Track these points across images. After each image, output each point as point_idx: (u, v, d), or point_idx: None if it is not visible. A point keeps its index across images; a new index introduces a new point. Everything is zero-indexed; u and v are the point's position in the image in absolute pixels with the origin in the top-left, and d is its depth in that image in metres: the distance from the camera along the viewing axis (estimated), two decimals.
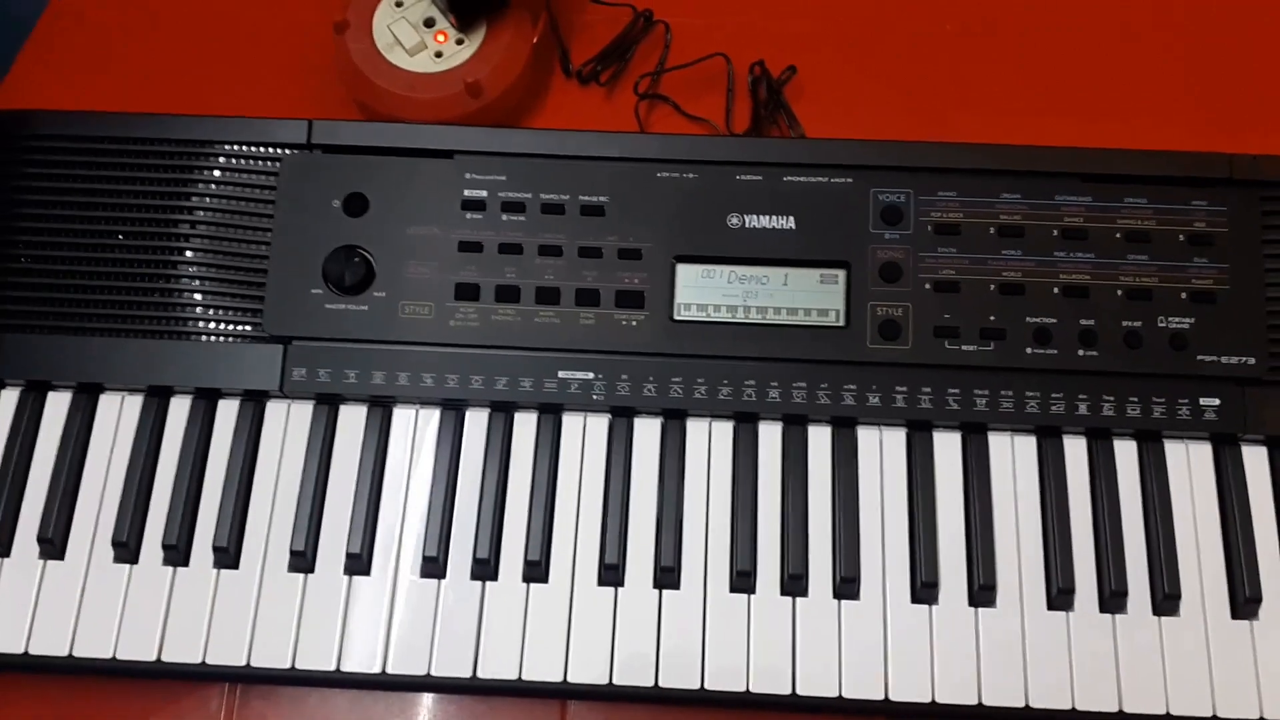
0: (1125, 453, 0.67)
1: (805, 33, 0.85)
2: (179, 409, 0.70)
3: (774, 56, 0.84)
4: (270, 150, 0.72)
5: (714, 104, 0.84)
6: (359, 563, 0.66)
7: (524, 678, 0.64)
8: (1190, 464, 0.67)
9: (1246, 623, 0.64)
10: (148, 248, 0.71)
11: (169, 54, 0.86)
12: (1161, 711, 0.62)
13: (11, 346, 0.70)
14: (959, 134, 0.77)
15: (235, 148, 0.72)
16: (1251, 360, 0.66)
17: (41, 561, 0.67)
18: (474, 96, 0.79)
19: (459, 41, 0.81)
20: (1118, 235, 0.68)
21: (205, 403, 0.69)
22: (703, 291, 0.69)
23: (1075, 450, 0.67)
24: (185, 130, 0.72)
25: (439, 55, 0.80)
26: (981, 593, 0.64)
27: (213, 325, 0.70)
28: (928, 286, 0.68)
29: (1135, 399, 0.66)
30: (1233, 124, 0.79)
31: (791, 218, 0.69)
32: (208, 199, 0.71)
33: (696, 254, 0.69)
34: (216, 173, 0.72)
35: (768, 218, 0.69)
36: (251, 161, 0.72)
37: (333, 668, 0.64)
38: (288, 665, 0.64)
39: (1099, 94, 0.82)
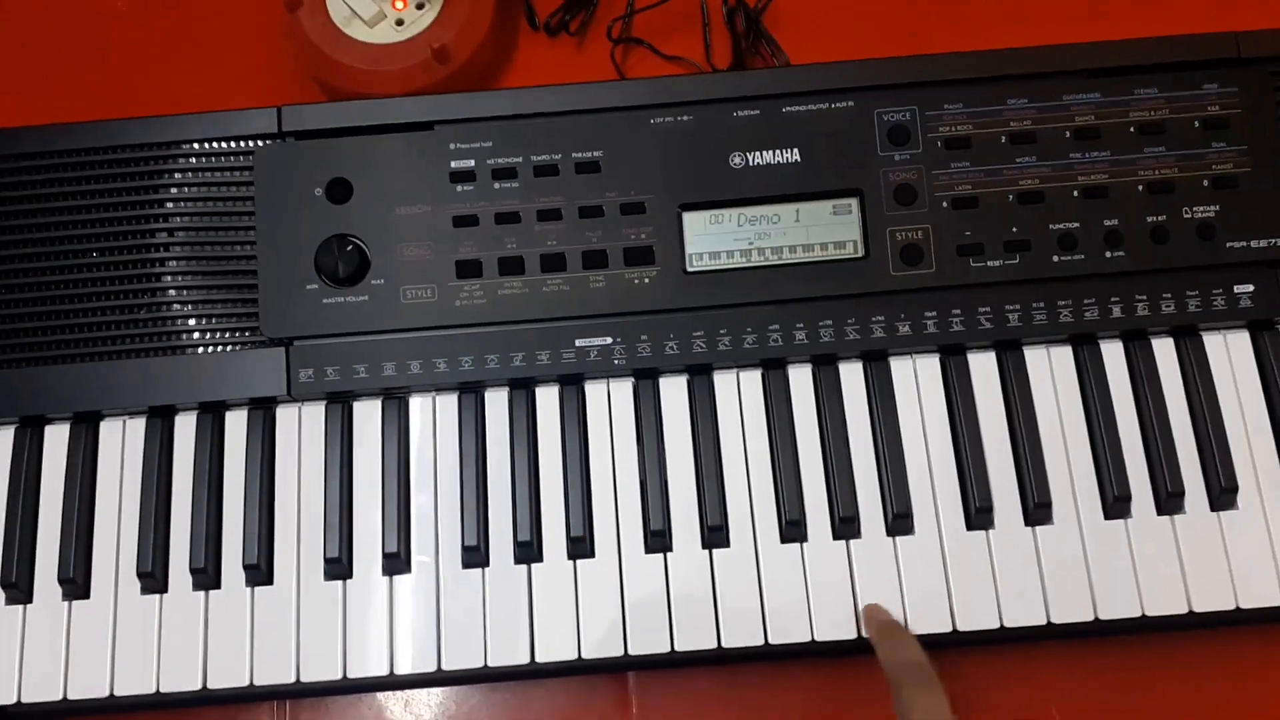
0: (1164, 351, 0.66)
1: None
2: (185, 426, 0.67)
3: None
4: (240, 144, 0.68)
5: (691, 42, 0.80)
6: (398, 562, 0.64)
7: (583, 656, 0.62)
8: (1230, 353, 0.66)
9: None
10: (127, 262, 0.67)
11: (113, 56, 0.81)
12: (1231, 606, 0.61)
13: None
14: (950, 44, 0.74)
15: (203, 145, 0.68)
16: None
17: (67, 603, 0.64)
18: (442, 62, 0.75)
19: (419, 6, 0.76)
20: (1131, 129, 0.66)
21: (212, 417, 0.66)
22: (713, 239, 0.66)
23: (1113, 355, 0.66)
24: (147, 133, 0.68)
25: (400, 23, 0.76)
26: (1037, 510, 0.63)
27: (208, 335, 0.67)
28: (945, 205, 0.66)
29: (1169, 295, 0.65)
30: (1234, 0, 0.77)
31: (796, 150, 0.67)
32: (183, 203, 0.68)
33: (702, 200, 0.67)
34: (187, 174, 0.68)
35: (771, 153, 0.67)
36: (222, 158, 0.68)
37: (386, 672, 0.62)
38: (339, 676, 0.62)
39: None
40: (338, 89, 0.76)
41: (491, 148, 0.67)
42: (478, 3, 0.77)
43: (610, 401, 0.66)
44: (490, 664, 0.62)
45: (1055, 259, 0.65)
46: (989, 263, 0.65)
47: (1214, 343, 0.66)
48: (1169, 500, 0.63)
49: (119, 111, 0.75)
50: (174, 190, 0.68)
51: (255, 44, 0.80)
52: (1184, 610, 0.61)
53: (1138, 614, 0.62)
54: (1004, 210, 0.66)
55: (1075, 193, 0.66)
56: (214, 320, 0.67)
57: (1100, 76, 0.67)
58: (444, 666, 0.62)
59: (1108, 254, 0.65)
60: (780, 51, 0.79)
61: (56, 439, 0.67)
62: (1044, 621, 0.62)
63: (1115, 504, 0.63)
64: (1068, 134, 0.66)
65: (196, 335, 0.66)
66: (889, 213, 0.66)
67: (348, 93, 0.75)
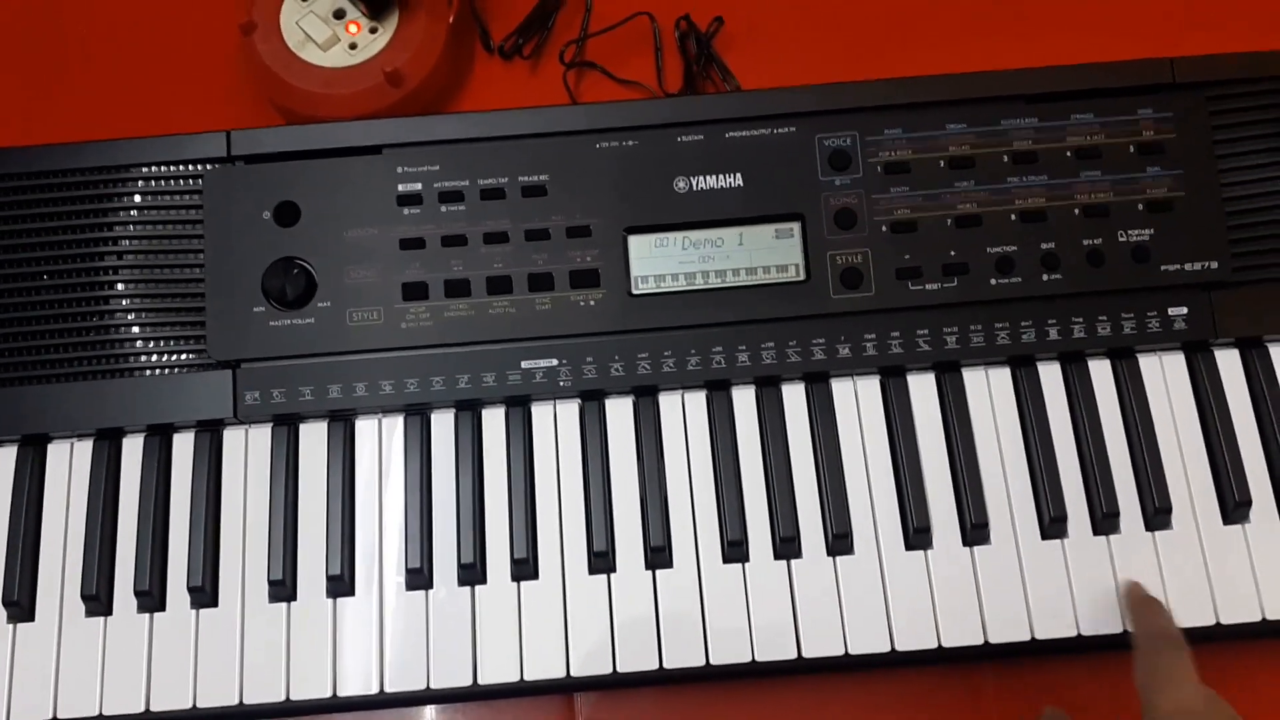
0: (1100, 372, 0.67)
1: None
2: (132, 448, 0.67)
3: (698, 9, 0.81)
4: (190, 168, 0.69)
5: (644, 65, 0.81)
6: (342, 584, 0.64)
7: (526, 678, 0.62)
8: (1165, 375, 0.66)
9: (1239, 527, 0.64)
10: (75, 285, 0.67)
11: (64, 78, 0.81)
12: None
13: None
14: (896, 69, 0.75)
15: (153, 169, 0.69)
16: (1214, 264, 0.66)
17: (11, 626, 0.64)
18: (395, 85, 0.76)
19: (372, 30, 0.77)
20: (1068, 154, 0.67)
21: (159, 439, 0.67)
22: (658, 261, 0.67)
23: (1050, 376, 0.67)
24: (97, 157, 0.69)
25: (353, 47, 0.77)
26: (975, 531, 0.64)
27: (155, 358, 0.67)
28: (884, 229, 0.67)
29: (1104, 317, 0.66)
30: (1172, 26, 0.78)
31: (739, 174, 0.67)
32: (131, 226, 0.68)
33: (647, 223, 0.67)
34: (137, 197, 0.68)
35: (714, 177, 0.68)
36: (172, 181, 0.69)
37: (329, 694, 0.62)
38: (282, 698, 0.63)
39: (1030, 9, 0.80)
40: (293, 111, 0.77)
41: (439, 171, 0.68)
42: (431, 27, 0.77)
43: (556, 423, 0.67)
44: (433, 686, 0.62)
45: (993, 282, 0.66)
46: (927, 286, 0.66)
47: (1149, 364, 0.67)
48: (1105, 520, 0.64)
49: (76, 134, 0.75)
50: (124, 214, 0.68)
51: (211, 67, 0.81)
52: (1119, 630, 0.62)
53: (1073, 634, 0.62)
54: (942, 234, 0.67)
55: (1013, 216, 0.67)
56: (162, 342, 0.67)
57: (1037, 102, 0.68)
58: (387, 689, 0.62)
59: (1045, 277, 0.66)
60: (731, 76, 0.80)
61: (3, 461, 0.67)
62: (981, 641, 0.62)
63: (1052, 524, 0.64)
64: (1005, 158, 0.67)
65: (145, 358, 0.67)
66: (830, 236, 0.67)
67: (303, 116, 0.76)
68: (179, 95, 0.81)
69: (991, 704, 0.65)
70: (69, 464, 0.67)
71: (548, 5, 0.83)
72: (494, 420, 0.67)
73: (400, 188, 0.68)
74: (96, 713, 0.63)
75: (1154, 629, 0.57)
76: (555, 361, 0.66)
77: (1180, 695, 0.52)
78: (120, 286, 0.68)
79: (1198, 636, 0.60)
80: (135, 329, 0.67)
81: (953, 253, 0.66)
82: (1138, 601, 0.60)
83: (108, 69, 0.82)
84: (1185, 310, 0.66)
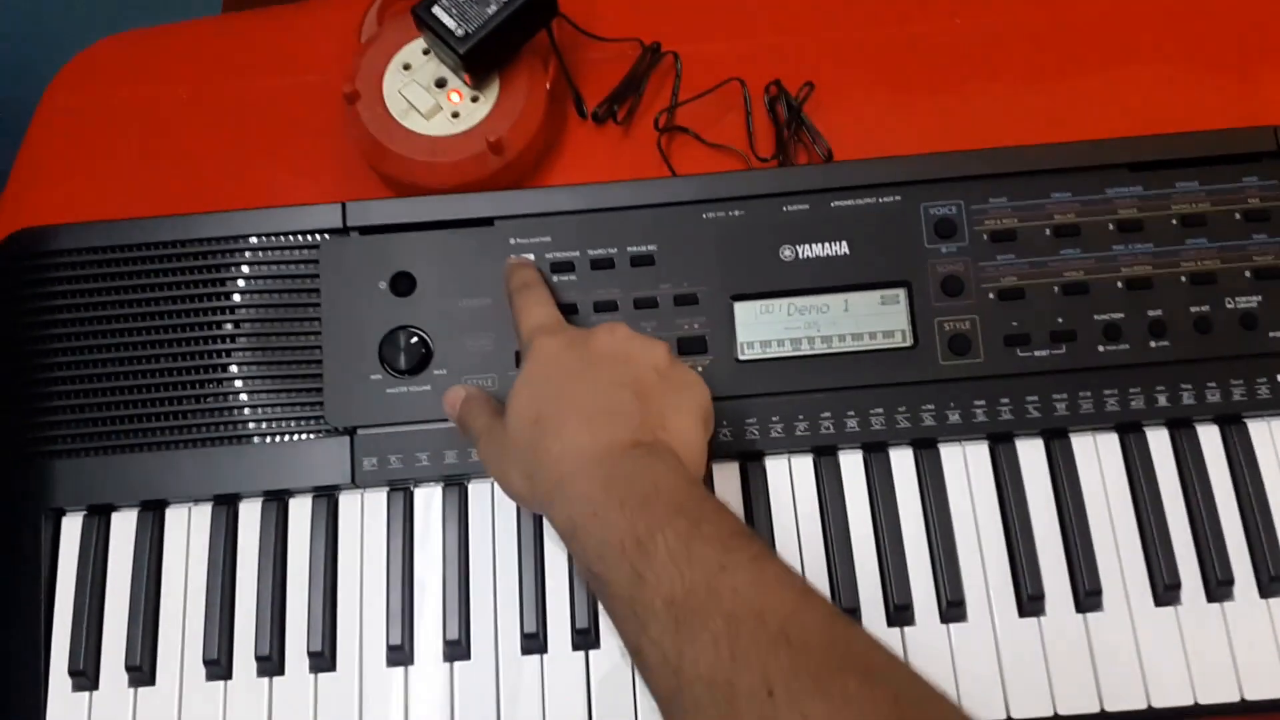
0: (1209, 438, 0.67)
1: (817, 47, 0.84)
2: (250, 514, 0.68)
3: (789, 74, 0.83)
4: (305, 238, 0.70)
5: (734, 129, 0.83)
6: (458, 649, 0.65)
7: None
8: (1275, 441, 0.67)
9: None
10: (193, 353, 0.69)
11: (171, 149, 0.83)
12: None
13: (66, 472, 0.68)
14: (988, 133, 0.76)
15: (268, 239, 0.70)
16: None
17: (133, 690, 0.65)
18: (498, 154, 0.77)
19: (474, 99, 0.79)
20: (1174, 221, 0.68)
21: (277, 504, 0.68)
22: (764, 328, 0.68)
23: (1159, 442, 0.67)
24: (214, 228, 0.71)
25: (455, 115, 0.79)
26: (1089, 599, 0.64)
27: (272, 425, 0.68)
28: (991, 296, 0.67)
29: (1213, 384, 0.66)
30: (1272, 90, 0.79)
31: (844, 242, 0.69)
32: (248, 294, 0.70)
33: (753, 291, 0.68)
34: (254, 266, 0.70)
35: (820, 245, 0.69)
36: (287, 251, 0.70)
37: None
38: None
39: (1130, 77, 0.81)
40: (396, 179, 0.78)
41: (550, 242, 0.69)
42: (531, 96, 0.79)
43: None
44: None
45: (1101, 349, 0.67)
46: (1036, 352, 0.67)
47: (1259, 430, 0.67)
48: (1219, 587, 0.64)
49: (182, 201, 0.78)
50: (241, 282, 0.70)
51: (315, 135, 0.83)
52: (1236, 699, 0.62)
53: (1190, 702, 0.62)
54: (1049, 301, 0.67)
55: (1119, 284, 0.67)
56: (279, 409, 0.68)
57: (1141, 170, 0.69)
58: None
59: (1152, 344, 0.67)
60: (821, 139, 0.81)
61: (123, 526, 0.68)
62: (1097, 709, 0.62)
63: (1165, 591, 0.64)
64: (1111, 226, 0.68)
65: (262, 424, 0.68)
66: (936, 303, 0.68)
67: (406, 183, 0.78)
68: (283, 161, 0.82)
69: None
70: (187, 528, 0.68)
71: (639, 71, 0.84)
72: None
73: (513, 259, 0.69)
74: None
75: (521, 281, 0.67)
76: None
77: (543, 314, 0.64)
78: (237, 355, 0.69)
79: None
80: (252, 396, 0.69)
81: (1060, 320, 0.67)
82: (511, 268, 0.68)
83: (214, 135, 0.84)
84: None
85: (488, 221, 0.70)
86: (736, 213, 0.69)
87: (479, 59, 0.77)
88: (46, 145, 0.84)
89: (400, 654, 0.65)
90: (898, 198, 0.69)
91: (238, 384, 0.69)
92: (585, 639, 0.65)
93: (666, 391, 0.59)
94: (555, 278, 0.69)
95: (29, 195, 0.82)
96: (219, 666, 0.65)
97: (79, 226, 0.72)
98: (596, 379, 0.59)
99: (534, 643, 0.65)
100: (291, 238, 0.70)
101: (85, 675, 0.65)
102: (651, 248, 0.69)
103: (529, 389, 0.60)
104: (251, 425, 0.68)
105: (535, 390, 0.59)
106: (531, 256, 0.69)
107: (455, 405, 0.65)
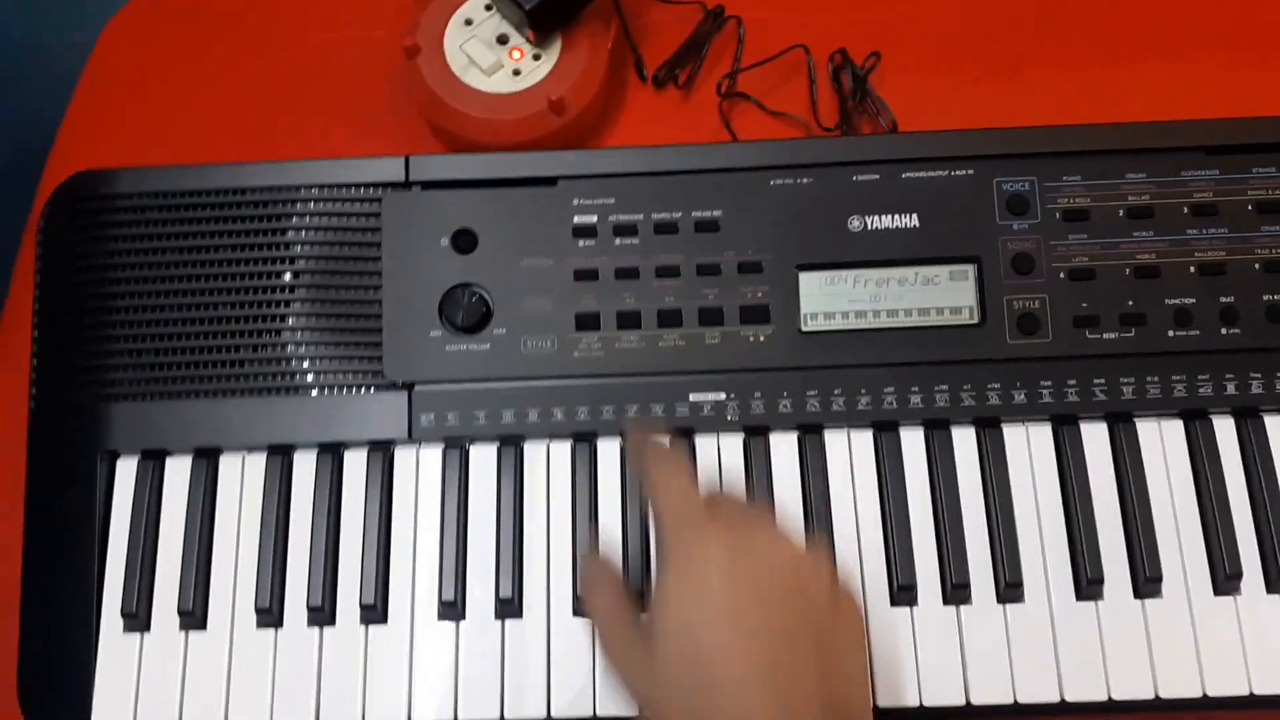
0: (1276, 429, 0.66)
1: (884, 17, 0.83)
2: (304, 464, 0.68)
3: (855, 44, 0.82)
4: (368, 191, 0.70)
5: (797, 97, 0.82)
6: (510, 606, 0.65)
7: None
8: None
9: None
10: (251, 302, 0.69)
11: (226, 98, 0.83)
12: None
13: (122, 416, 0.68)
14: (1052, 112, 0.75)
15: (330, 190, 0.70)
16: None
17: (183, 634, 0.65)
18: (558, 114, 0.76)
19: (535, 57, 0.78)
20: (1249, 207, 0.67)
21: (331, 456, 0.68)
22: (829, 299, 0.67)
23: (1224, 430, 0.66)
24: (276, 176, 0.70)
25: (516, 73, 0.78)
26: (1148, 585, 0.63)
27: (329, 377, 0.68)
28: (1062, 276, 0.67)
29: None
30: None
31: (915, 215, 0.68)
32: (308, 245, 0.69)
33: (819, 261, 0.68)
34: (314, 218, 0.70)
35: (889, 217, 0.68)
36: (349, 204, 0.70)
37: (497, 715, 0.63)
38: (450, 717, 0.63)
39: (1202, 59, 0.80)
40: (455, 136, 0.78)
41: (613, 204, 0.69)
42: (593, 56, 0.78)
43: (720, 455, 0.67)
44: (599, 713, 0.63)
45: (1171, 334, 0.66)
46: (1105, 335, 0.66)
47: None
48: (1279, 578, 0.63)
49: (235, 150, 0.77)
50: (301, 233, 0.69)
51: (373, 90, 0.82)
52: None
53: (1245, 692, 0.62)
54: (1121, 283, 0.66)
55: (1192, 269, 0.66)
56: (337, 361, 0.68)
57: (1218, 154, 0.67)
58: (553, 714, 0.63)
59: (1223, 330, 0.66)
60: (887, 110, 0.80)
61: (178, 472, 0.68)
62: (1152, 695, 0.62)
63: (1226, 580, 0.63)
64: (1185, 210, 0.67)
65: (320, 375, 0.68)
66: (1006, 281, 0.67)
67: (465, 140, 0.77)
68: (341, 114, 0.82)
69: None
70: (241, 476, 0.68)
71: (701, 35, 0.83)
72: None
73: (576, 219, 0.69)
74: None
75: (652, 446, 0.58)
76: (723, 395, 0.67)
77: (681, 495, 0.55)
78: (296, 305, 0.69)
79: None
80: (310, 348, 0.68)
81: (1131, 303, 0.66)
82: (635, 428, 0.61)
83: (262, 86, 0.83)
84: None
85: (551, 181, 0.69)
86: (805, 181, 0.68)
87: (544, 16, 0.76)
88: (101, 91, 0.84)
89: (452, 610, 0.65)
90: (970, 171, 0.68)
91: (296, 334, 0.68)
92: (637, 603, 0.64)
93: (839, 626, 0.52)
94: (617, 240, 0.68)
95: (83, 141, 0.82)
96: (270, 615, 0.65)
97: (138, 171, 0.71)
98: (769, 618, 0.50)
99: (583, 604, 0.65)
100: (354, 190, 0.70)
101: (137, 617, 0.65)
102: (717, 213, 0.68)
103: (683, 609, 0.51)
104: (309, 377, 0.68)
105: (692, 613, 0.51)
106: (594, 219, 0.68)
107: (584, 583, 0.61)
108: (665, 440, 0.59)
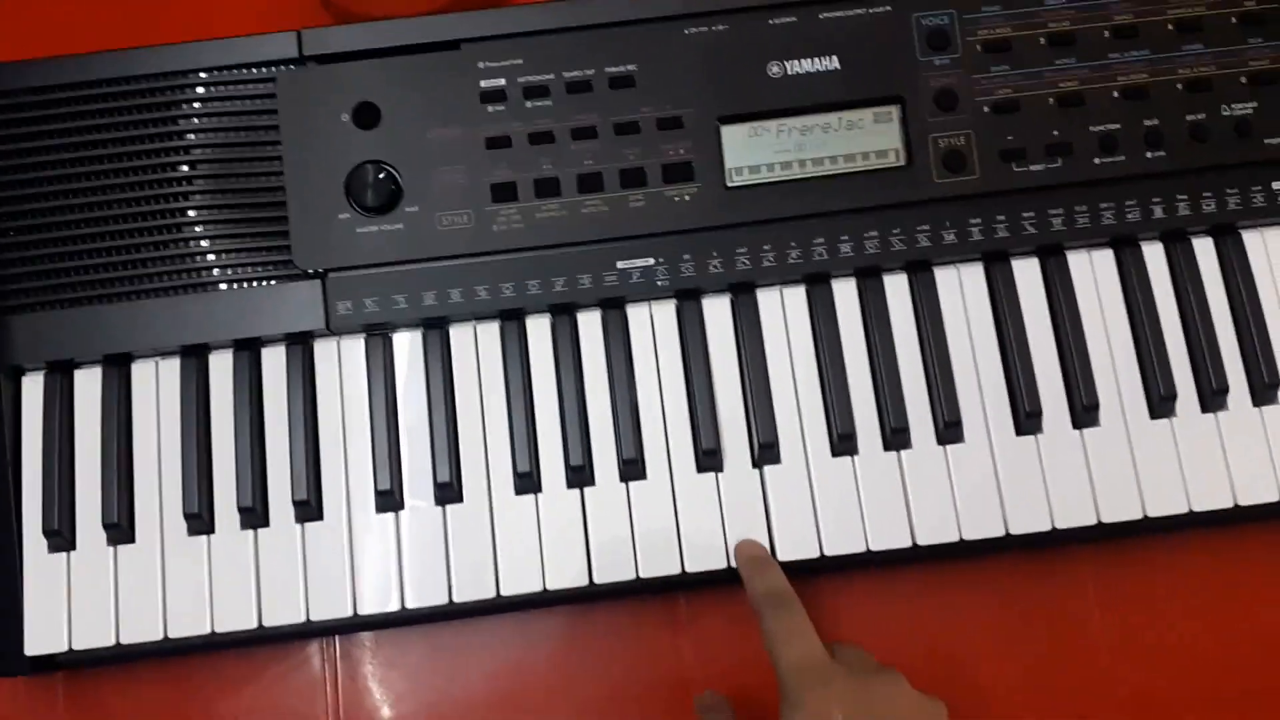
0: (1204, 250, 0.66)
1: None
2: (220, 364, 0.65)
3: None
4: (259, 71, 0.66)
5: None
6: (451, 491, 0.63)
7: (642, 575, 0.62)
8: (1268, 250, 0.66)
9: None
10: (149, 197, 0.65)
11: None
12: (1275, 499, 0.63)
13: (22, 328, 0.64)
14: None
15: (220, 73, 0.66)
16: None
17: (112, 548, 0.63)
18: None
19: None
20: (1170, 27, 0.66)
21: (248, 354, 0.65)
22: (753, 151, 0.65)
23: (1154, 256, 0.66)
24: (162, 61, 0.65)
25: None
26: (1086, 414, 0.63)
27: (238, 270, 0.65)
28: (986, 110, 0.65)
29: (1209, 194, 0.65)
30: None
31: (834, 57, 0.65)
32: (203, 133, 0.65)
33: (741, 112, 0.65)
34: (207, 103, 0.65)
35: (809, 60, 0.65)
36: (242, 85, 0.66)
37: (444, 601, 0.62)
38: (396, 608, 0.62)
39: None
40: (348, 11, 0.73)
41: (521, 65, 0.65)
42: None
43: (653, 324, 0.66)
44: (549, 587, 0.62)
45: (1096, 161, 0.65)
46: (1031, 167, 0.65)
47: (1253, 240, 0.66)
48: (1214, 397, 0.64)
49: (122, 36, 0.72)
50: (194, 120, 0.65)
51: None
52: (1230, 504, 0.63)
53: (1184, 510, 0.63)
54: (1045, 113, 0.65)
55: (1115, 93, 0.65)
56: (244, 254, 0.65)
57: None
58: (503, 592, 0.62)
59: (1148, 154, 0.65)
60: None
61: (88, 383, 0.65)
62: (1094, 521, 0.63)
63: (1161, 403, 0.64)
64: (1106, 33, 0.66)
65: (227, 270, 0.65)
66: (930, 119, 0.65)
67: (358, 15, 0.73)
68: None
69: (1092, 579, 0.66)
70: (155, 382, 0.65)
71: None
72: (590, 324, 0.65)
73: (483, 84, 0.65)
74: (208, 630, 0.62)
75: (768, 589, 0.58)
76: (652, 261, 0.65)
77: (803, 649, 0.55)
78: (195, 197, 0.65)
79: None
80: (214, 241, 0.65)
81: (1056, 133, 0.65)
82: (750, 562, 0.60)
83: None
84: None
85: (454, 45, 0.65)
86: (720, 28, 0.65)
87: None
88: None
89: (390, 499, 0.63)
90: (888, 8, 0.65)
91: (198, 228, 0.65)
92: (580, 476, 0.63)
93: None
94: (529, 103, 0.65)
95: None
96: (200, 520, 0.63)
97: (14, 66, 0.66)
98: None
99: (528, 482, 0.63)
100: (245, 71, 0.66)
101: (61, 535, 0.63)
102: (631, 68, 0.65)
103: None
104: (216, 271, 0.65)
105: None
106: (502, 81, 0.65)
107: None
108: (782, 580, 0.59)
